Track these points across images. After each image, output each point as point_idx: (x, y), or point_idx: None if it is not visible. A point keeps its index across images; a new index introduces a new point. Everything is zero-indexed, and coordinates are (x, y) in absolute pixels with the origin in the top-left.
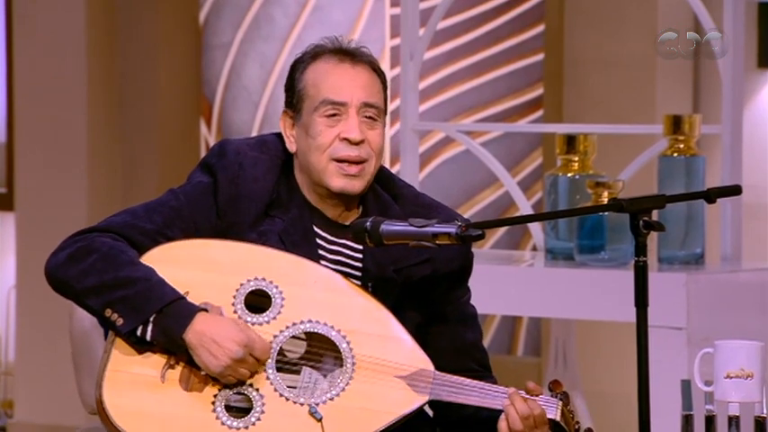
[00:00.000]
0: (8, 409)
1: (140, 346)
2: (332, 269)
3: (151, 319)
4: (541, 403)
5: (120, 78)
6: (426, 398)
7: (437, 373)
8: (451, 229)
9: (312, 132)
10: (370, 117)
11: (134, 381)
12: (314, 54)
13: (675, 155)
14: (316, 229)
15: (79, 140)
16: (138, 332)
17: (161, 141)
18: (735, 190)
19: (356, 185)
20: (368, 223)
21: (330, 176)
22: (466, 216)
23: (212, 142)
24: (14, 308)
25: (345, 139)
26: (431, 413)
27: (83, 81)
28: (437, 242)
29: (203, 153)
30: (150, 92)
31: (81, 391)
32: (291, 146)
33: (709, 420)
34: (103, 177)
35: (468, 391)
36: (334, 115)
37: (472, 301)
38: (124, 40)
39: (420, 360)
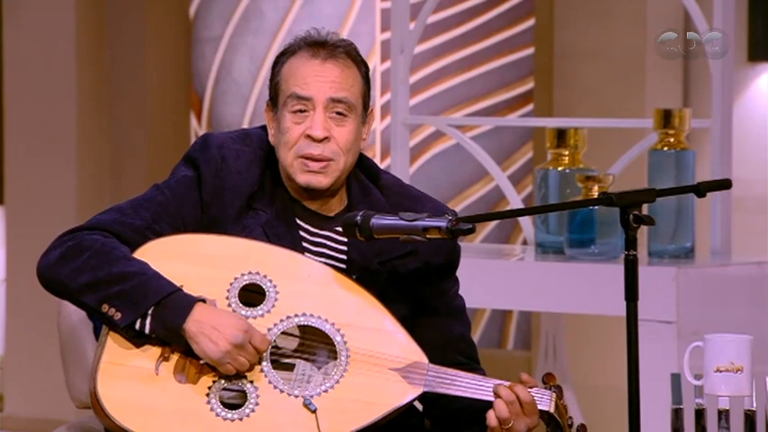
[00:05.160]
0: None
1: (138, 339)
2: (316, 261)
3: (149, 312)
4: (535, 396)
5: (110, 72)
6: (421, 390)
7: (431, 365)
8: (442, 223)
9: (282, 128)
10: (339, 113)
11: (128, 373)
12: (294, 49)
13: (665, 149)
14: (299, 221)
15: (69, 134)
16: (137, 326)
17: (151, 135)
18: (725, 184)
19: (322, 181)
20: (358, 217)
21: (295, 172)
22: (456, 210)
23: None
24: (4, 301)
25: (309, 136)
26: (420, 407)
27: (72, 74)
28: (427, 236)
29: None
30: (140, 85)
31: (69, 386)
32: (272, 138)
33: (699, 414)
34: (93, 171)
35: (462, 384)
36: (301, 111)
37: (463, 295)
38: (114, 34)
39: (414, 353)
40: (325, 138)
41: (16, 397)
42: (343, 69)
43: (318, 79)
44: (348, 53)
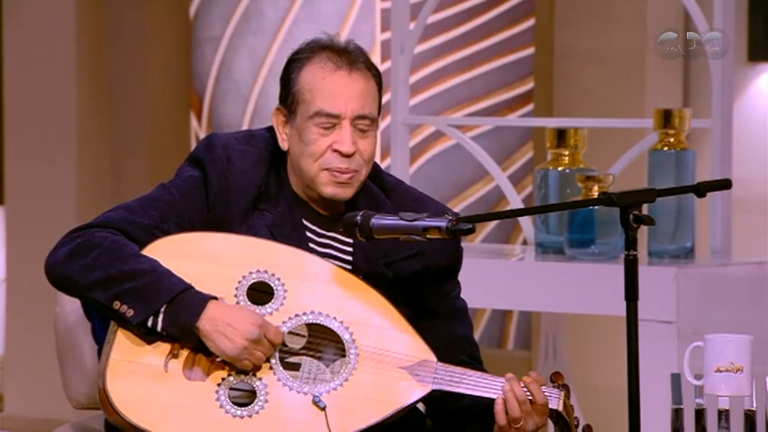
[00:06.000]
0: None
1: (149, 336)
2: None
3: (162, 309)
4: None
5: (110, 72)
6: (429, 388)
7: (439, 363)
8: (442, 223)
9: (305, 139)
10: (363, 128)
11: (137, 370)
12: (311, 52)
13: (665, 149)
14: (305, 222)
15: (69, 133)
16: (149, 323)
17: (151, 135)
18: (725, 184)
19: (347, 192)
20: (358, 217)
21: (321, 184)
22: (456, 210)
23: (202, 136)
24: (4, 301)
25: (337, 150)
26: (422, 408)
27: (72, 73)
28: (427, 236)
29: (193, 147)
30: (140, 85)
31: (66, 387)
32: (284, 143)
33: (699, 414)
34: (93, 171)
35: (471, 382)
36: (327, 126)
37: (463, 295)
38: (114, 34)
39: (422, 351)
40: (354, 153)
41: (16, 397)
42: (366, 81)
43: (346, 95)
44: (367, 65)
